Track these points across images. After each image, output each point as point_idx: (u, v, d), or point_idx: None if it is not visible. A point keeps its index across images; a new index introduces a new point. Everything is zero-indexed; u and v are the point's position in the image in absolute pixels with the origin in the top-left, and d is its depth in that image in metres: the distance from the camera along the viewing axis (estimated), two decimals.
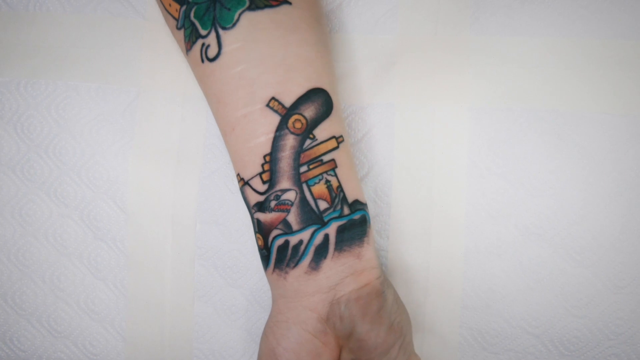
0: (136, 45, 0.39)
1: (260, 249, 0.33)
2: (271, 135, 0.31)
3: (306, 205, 0.31)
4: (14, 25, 0.39)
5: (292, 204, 0.31)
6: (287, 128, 0.31)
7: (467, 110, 0.38)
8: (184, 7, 0.33)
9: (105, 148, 0.39)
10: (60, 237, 0.39)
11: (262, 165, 0.31)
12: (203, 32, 0.32)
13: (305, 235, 0.31)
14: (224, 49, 0.31)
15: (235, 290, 0.40)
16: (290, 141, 0.31)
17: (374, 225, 0.39)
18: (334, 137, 0.32)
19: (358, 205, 0.33)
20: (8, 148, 0.39)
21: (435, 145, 0.38)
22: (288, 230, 0.31)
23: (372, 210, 0.39)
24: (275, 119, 0.31)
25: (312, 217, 0.31)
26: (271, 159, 0.31)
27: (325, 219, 0.31)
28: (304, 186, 0.31)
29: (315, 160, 0.31)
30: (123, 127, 0.39)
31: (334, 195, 0.32)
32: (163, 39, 0.39)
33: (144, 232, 0.39)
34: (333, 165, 0.32)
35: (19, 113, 0.38)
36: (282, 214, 0.31)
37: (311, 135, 0.31)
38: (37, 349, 0.40)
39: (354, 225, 0.32)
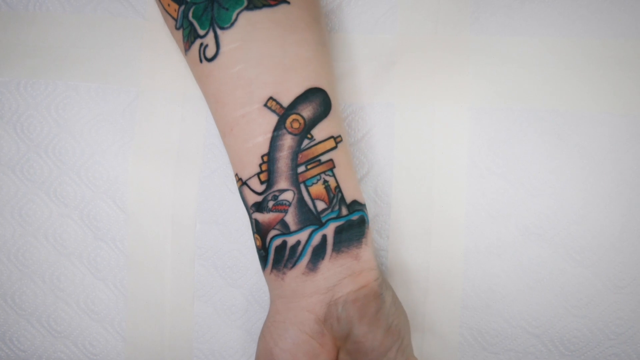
0: (136, 45, 0.39)
1: (258, 250, 0.33)
2: (269, 135, 0.31)
3: (304, 205, 0.31)
4: (14, 25, 0.39)
5: (289, 205, 0.31)
6: (285, 128, 0.31)
7: (467, 110, 0.38)
8: (182, 7, 0.32)
9: (105, 148, 0.39)
10: (60, 237, 0.39)
11: (260, 165, 0.31)
12: (201, 32, 0.32)
13: (302, 235, 0.31)
14: (222, 49, 0.31)
15: (235, 290, 0.40)
16: (288, 141, 0.31)
17: (374, 225, 0.39)
18: (332, 137, 0.32)
19: (356, 206, 0.32)
20: (8, 148, 0.39)
21: (435, 145, 0.38)
22: (286, 230, 0.31)
23: (372, 210, 0.38)
24: (273, 119, 0.31)
25: (310, 218, 0.31)
26: (269, 159, 0.31)
27: (323, 220, 0.31)
28: (302, 186, 0.31)
29: (313, 161, 0.31)
30: (123, 127, 0.39)
31: (332, 195, 0.31)
32: (163, 39, 0.39)
33: (144, 232, 0.39)
34: (331, 166, 0.32)
35: (19, 113, 0.39)
36: (280, 215, 0.31)
37: (309, 135, 0.31)
38: (37, 349, 0.40)
39: (352, 226, 0.32)
